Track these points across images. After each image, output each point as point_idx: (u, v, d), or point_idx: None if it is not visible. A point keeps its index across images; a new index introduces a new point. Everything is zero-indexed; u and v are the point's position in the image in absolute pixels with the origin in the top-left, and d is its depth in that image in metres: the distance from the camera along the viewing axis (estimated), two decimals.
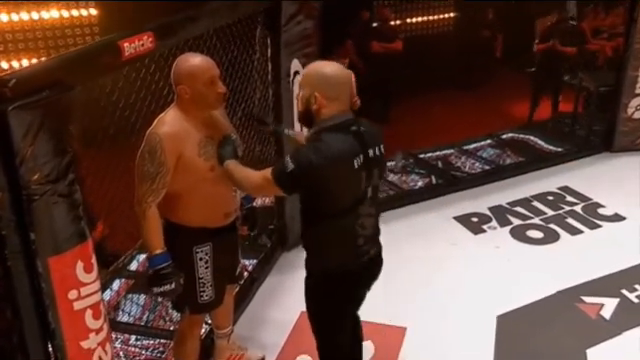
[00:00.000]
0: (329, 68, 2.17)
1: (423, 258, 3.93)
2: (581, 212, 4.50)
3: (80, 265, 1.95)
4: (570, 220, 4.40)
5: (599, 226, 4.32)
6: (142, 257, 4.00)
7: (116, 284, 3.77)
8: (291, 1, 3.56)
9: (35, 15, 6.48)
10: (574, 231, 4.27)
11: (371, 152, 2.19)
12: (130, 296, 3.66)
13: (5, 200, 1.77)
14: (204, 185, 2.37)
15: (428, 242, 4.13)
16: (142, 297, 3.63)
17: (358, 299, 2.42)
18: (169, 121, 2.32)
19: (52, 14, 6.55)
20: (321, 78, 2.15)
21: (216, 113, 2.47)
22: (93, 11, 6.53)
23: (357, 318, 2.57)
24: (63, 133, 1.84)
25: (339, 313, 2.38)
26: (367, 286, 2.40)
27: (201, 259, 2.47)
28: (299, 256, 3.93)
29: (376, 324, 3.15)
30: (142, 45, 2.24)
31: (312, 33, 3.77)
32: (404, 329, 3.25)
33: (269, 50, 3.65)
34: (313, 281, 2.35)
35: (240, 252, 2.76)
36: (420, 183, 5.04)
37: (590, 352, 3.07)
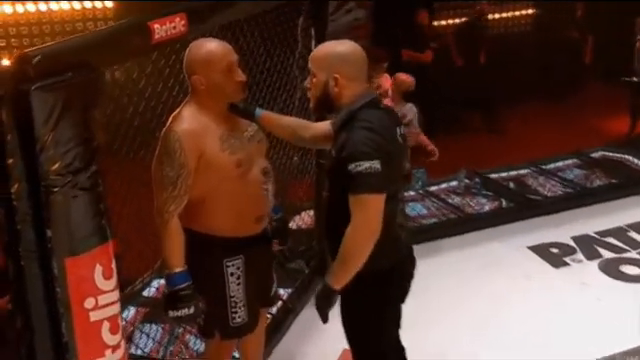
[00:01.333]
0: (344, 47, 2.34)
1: (491, 293, 3.97)
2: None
3: (99, 269, 2.10)
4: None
5: None
6: (160, 282, 4.17)
7: (128, 312, 3.91)
8: None
9: (43, 6, 6.80)
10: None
11: (399, 130, 2.38)
12: (144, 326, 3.80)
13: (22, 191, 1.93)
14: (231, 184, 2.46)
15: (497, 275, 4.18)
16: (159, 328, 3.77)
17: (401, 298, 2.52)
18: (186, 117, 2.42)
19: (62, 5, 6.87)
20: (339, 58, 2.31)
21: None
22: (109, 3, 6.82)
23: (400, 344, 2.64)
24: (87, 120, 2.01)
25: (388, 319, 2.50)
26: (409, 281, 2.51)
27: (232, 274, 2.56)
28: None
29: None
30: (174, 28, 2.41)
31: (363, 24, 3.93)
32: None
33: (313, 42, 3.82)
34: (355, 287, 2.31)
35: (274, 271, 2.87)
36: (487, 207, 5.09)
37: None
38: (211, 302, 2.56)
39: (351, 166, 2.19)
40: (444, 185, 5.39)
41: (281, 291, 3.91)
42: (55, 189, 1.95)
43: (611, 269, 4.27)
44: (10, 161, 1.90)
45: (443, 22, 7.62)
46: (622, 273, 4.23)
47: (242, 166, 2.47)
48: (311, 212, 4.45)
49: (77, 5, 6.84)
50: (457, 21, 7.68)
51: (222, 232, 2.52)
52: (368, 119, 2.25)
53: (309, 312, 3.84)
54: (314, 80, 2.35)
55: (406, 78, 4.61)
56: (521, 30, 8.29)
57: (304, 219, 4.62)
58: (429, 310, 3.53)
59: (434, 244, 4.48)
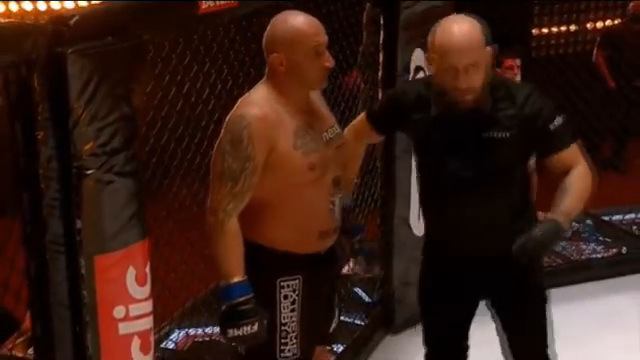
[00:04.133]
0: None
1: (612, 355, 4.08)
2: None
3: (132, 273, 2.34)
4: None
5: None
6: (181, 333, 4.38)
7: None
8: None
9: (42, 5, 7.20)
10: None
11: None
12: None
13: (51, 171, 2.19)
14: (297, 190, 2.60)
15: (617, 333, 4.28)
16: None
17: None
18: (258, 101, 2.57)
19: (66, 4, 7.27)
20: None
21: (314, 97, 2.75)
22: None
23: None
24: (128, 94, 2.28)
25: None
26: None
27: (286, 297, 2.68)
28: (411, 341, 4.25)
29: None
30: None
31: (445, 12, 4.16)
32: None
33: (382, 35, 4.07)
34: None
35: (337, 302, 3.02)
36: (602, 254, 5.21)
37: None
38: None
39: (554, 123, 2.77)
40: None
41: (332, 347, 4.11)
42: (88, 172, 2.21)
43: None
44: (40, 135, 2.16)
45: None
46: None
47: (315, 170, 2.59)
48: None
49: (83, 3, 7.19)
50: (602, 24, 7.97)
51: (280, 245, 2.66)
52: (520, 84, 2.88)
53: None
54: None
55: None
56: None
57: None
58: None
59: None
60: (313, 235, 2.71)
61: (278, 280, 2.67)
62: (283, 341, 2.75)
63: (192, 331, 4.42)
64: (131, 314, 2.35)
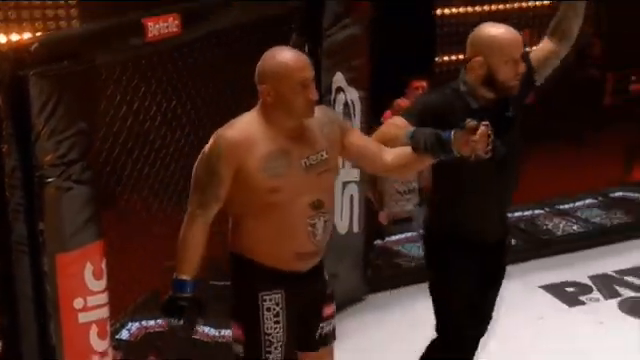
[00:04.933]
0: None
1: (503, 335, 4.15)
2: None
3: (89, 268, 2.33)
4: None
5: None
6: (134, 325, 4.33)
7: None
8: (336, 0, 4.02)
9: (2, 38, 6.99)
10: None
11: None
12: None
13: (16, 180, 2.18)
14: (270, 210, 2.50)
15: (507, 315, 4.36)
16: None
17: None
18: (240, 125, 2.51)
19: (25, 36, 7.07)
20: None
21: (313, 122, 2.59)
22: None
23: None
24: (83, 111, 2.27)
25: None
26: None
27: (269, 309, 2.56)
28: (340, 324, 4.26)
29: None
30: (167, 27, 2.69)
31: (361, 41, 4.21)
32: None
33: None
34: None
35: (326, 309, 2.78)
36: None
37: None
38: (245, 334, 2.59)
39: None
40: None
41: None
42: (49, 180, 2.21)
43: (631, 308, 4.48)
44: (5, 148, 2.15)
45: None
46: None
47: (280, 193, 2.49)
48: None
49: None
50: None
51: (261, 259, 2.56)
52: None
53: None
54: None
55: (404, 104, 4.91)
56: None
57: None
58: None
59: None
60: (289, 255, 2.58)
61: (260, 294, 2.57)
62: (267, 349, 2.63)
63: (145, 323, 4.36)
64: (89, 305, 2.35)
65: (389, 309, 4.57)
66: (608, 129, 7.46)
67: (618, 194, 6.27)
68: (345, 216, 4.45)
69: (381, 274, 4.88)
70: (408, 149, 2.63)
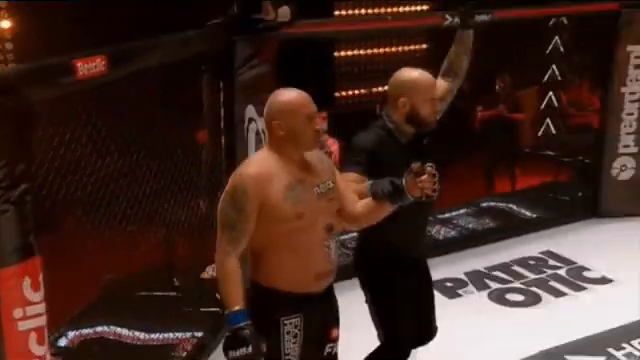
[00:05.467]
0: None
1: None
2: (565, 275, 4.94)
3: (27, 281, 2.26)
4: (553, 283, 4.84)
5: (584, 288, 4.76)
6: (73, 334, 4.21)
7: None
8: (246, 43, 4.05)
9: None
10: (558, 293, 4.69)
11: None
12: None
13: None
14: (290, 236, 2.43)
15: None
16: None
17: None
18: (257, 161, 2.47)
19: None
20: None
21: (313, 157, 2.56)
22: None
23: None
24: (20, 141, 2.20)
25: None
26: None
27: (289, 332, 2.50)
28: None
29: None
30: (95, 67, 2.64)
31: (268, 78, 4.25)
32: None
33: (222, 95, 4.10)
34: None
35: (334, 331, 2.71)
36: None
37: None
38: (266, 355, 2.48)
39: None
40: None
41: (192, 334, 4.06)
42: None
43: (498, 297, 4.68)
44: None
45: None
46: (508, 300, 4.65)
47: (303, 219, 2.43)
48: None
49: None
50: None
51: (281, 286, 2.49)
52: None
53: None
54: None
55: None
56: None
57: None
58: None
59: None
60: (310, 276, 2.52)
61: (281, 319, 2.49)
62: None
63: (83, 331, 4.24)
64: (28, 314, 2.26)
65: None
66: (475, 151, 7.74)
67: (486, 204, 6.51)
68: None
69: None
70: (370, 200, 2.61)
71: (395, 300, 2.99)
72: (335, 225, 2.56)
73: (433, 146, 2.95)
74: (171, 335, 4.12)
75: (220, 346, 3.90)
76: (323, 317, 2.62)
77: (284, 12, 3.96)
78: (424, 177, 2.48)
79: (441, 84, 3.12)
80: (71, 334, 4.22)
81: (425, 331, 3.19)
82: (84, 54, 2.59)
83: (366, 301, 3.07)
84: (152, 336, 4.10)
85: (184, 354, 3.95)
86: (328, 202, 2.53)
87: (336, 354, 2.72)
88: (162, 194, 3.90)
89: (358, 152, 2.85)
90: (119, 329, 4.11)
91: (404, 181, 2.51)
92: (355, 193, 2.67)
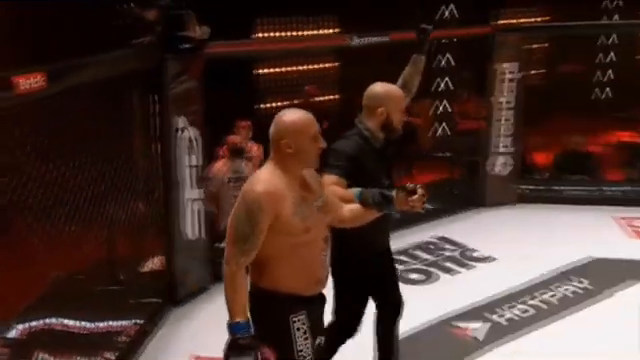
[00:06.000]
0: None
1: None
2: (458, 256, 5.09)
3: None
4: (448, 263, 4.99)
5: (473, 266, 4.93)
6: (22, 326, 4.02)
7: None
8: (176, 61, 3.98)
9: None
10: (451, 272, 4.84)
11: None
12: None
13: None
14: (298, 248, 2.34)
15: None
16: None
17: None
18: (267, 178, 2.31)
19: None
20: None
21: (306, 173, 2.44)
22: None
23: None
24: None
25: None
26: None
27: (299, 329, 2.37)
28: (190, 309, 4.20)
29: None
30: (36, 83, 2.53)
31: (197, 92, 4.20)
32: None
33: (157, 107, 4.02)
34: None
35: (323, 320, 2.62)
36: None
37: None
38: (279, 355, 2.37)
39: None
40: None
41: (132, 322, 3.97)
42: None
43: (401, 277, 4.72)
44: None
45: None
46: (409, 279, 4.76)
47: (310, 232, 2.34)
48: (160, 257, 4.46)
49: None
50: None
51: (287, 289, 2.37)
52: None
53: (164, 331, 3.99)
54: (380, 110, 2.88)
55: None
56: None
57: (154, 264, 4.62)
58: None
59: None
60: (312, 282, 2.43)
61: (290, 317, 2.37)
62: None
63: (32, 323, 4.06)
64: None
65: None
66: None
67: None
68: (193, 225, 4.41)
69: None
70: (357, 205, 2.54)
71: (346, 293, 3.02)
72: (328, 236, 2.47)
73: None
74: (115, 323, 4.01)
75: (160, 331, 3.99)
76: (319, 314, 2.53)
77: (205, 31, 3.95)
78: (416, 197, 2.45)
79: None
80: (20, 327, 4.03)
81: (394, 302, 3.19)
82: (24, 71, 2.47)
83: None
84: (97, 325, 3.98)
85: (127, 339, 3.84)
86: (324, 215, 2.45)
87: (323, 344, 2.61)
88: (103, 197, 3.78)
89: (339, 157, 2.80)
90: (66, 320, 3.97)
91: (395, 195, 2.46)
92: (337, 197, 2.60)
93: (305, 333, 2.37)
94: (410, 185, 2.46)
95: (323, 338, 2.56)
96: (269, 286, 2.36)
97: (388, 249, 3.21)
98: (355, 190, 2.58)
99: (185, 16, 3.76)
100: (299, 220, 2.30)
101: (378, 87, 2.93)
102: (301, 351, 2.38)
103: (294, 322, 2.36)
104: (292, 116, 2.35)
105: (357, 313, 3.11)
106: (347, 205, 2.57)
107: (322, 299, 2.53)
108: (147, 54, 3.80)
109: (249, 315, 2.29)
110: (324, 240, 2.43)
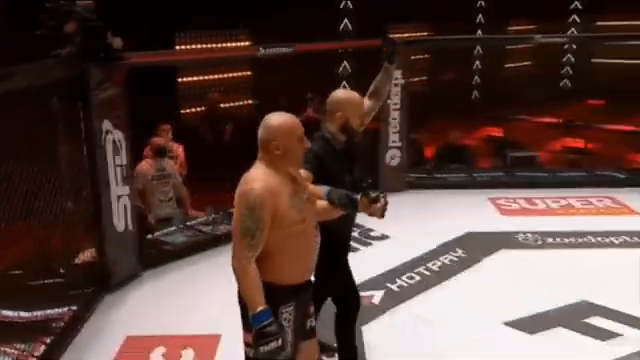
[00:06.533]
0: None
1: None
2: (357, 235, 5.15)
3: None
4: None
5: (370, 244, 5.04)
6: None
7: None
8: (98, 69, 3.82)
9: None
10: (352, 249, 4.89)
11: None
12: None
13: None
14: (294, 238, 2.27)
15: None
16: None
17: None
18: (262, 177, 2.23)
19: None
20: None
21: (292, 170, 2.37)
22: None
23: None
24: None
25: None
26: None
27: (285, 319, 2.31)
28: (121, 296, 4.07)
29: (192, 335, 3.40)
30: None
31: (120, 98, 4.04)
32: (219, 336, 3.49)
33: (82, 112, 3.84)
34: None
35: (310, 308, 2.50)
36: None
37: (364, 328, 3.67)
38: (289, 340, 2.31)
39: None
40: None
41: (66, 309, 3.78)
42: None
43: None
44: None
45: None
46: None
47: (304, 223, 2.29)
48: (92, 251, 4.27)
49: None
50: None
51: (281, 281, 2.29)
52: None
53: (98, 317, 3.84)
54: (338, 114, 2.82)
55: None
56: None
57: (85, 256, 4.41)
58: None
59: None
60: (305, 268, 2.37)
61: (280, 308, 2.29)
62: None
63: None
64: None
65: (159, 278, 4.46)
66: None
67: None
68: (122, 219, 4.26)
69: (151, 257, 4.68)
70: (326, 203, 2.46)
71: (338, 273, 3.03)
72: (317, 225, 2.41)
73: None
74: (51, 311, 3.82)
75: (93, 316, 3.82)
76: (306, 298, 2.44)
77: (117, 42, 3.84)
78: (378, 205, 2.41)
79: (367, 103, 3.10)
80: None
81: (355, 294, 3.16)
82: None
83: None
84: (35, 314, 3.78)
85: (63, 325, 3.67)
86: (312, 206, 2.40)
87: (315, 326, 2.53)
88: (33, 197, 3.58)
89: (306, 156, 2.68)
90: (4, 312, 3.74)
91: (359, 198, 2.42)
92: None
93: (289, 322, 2.32)
94: (374, 193, 2.42)
95: (314, 319, 2.50)
96: (265, 278, 2.25)
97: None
98: (324, 188, 2.51)
99: (102, 28, 3.61)
100: (295, 212, 2.25)
101: (339, 93, 2.91)
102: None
103: (282, 313, 2.30)
104: (279, 119, 2.29)
105: (344, 283, 3.07)
106: (319, 201, 2.51)
107: (310, 284, 2.46)
108: (69, 63, 3.62)
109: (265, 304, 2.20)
110: (315, 227, 2.39)
